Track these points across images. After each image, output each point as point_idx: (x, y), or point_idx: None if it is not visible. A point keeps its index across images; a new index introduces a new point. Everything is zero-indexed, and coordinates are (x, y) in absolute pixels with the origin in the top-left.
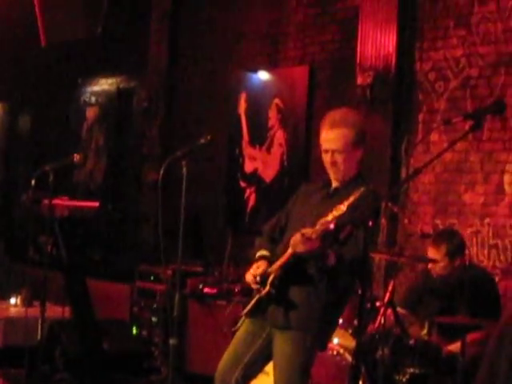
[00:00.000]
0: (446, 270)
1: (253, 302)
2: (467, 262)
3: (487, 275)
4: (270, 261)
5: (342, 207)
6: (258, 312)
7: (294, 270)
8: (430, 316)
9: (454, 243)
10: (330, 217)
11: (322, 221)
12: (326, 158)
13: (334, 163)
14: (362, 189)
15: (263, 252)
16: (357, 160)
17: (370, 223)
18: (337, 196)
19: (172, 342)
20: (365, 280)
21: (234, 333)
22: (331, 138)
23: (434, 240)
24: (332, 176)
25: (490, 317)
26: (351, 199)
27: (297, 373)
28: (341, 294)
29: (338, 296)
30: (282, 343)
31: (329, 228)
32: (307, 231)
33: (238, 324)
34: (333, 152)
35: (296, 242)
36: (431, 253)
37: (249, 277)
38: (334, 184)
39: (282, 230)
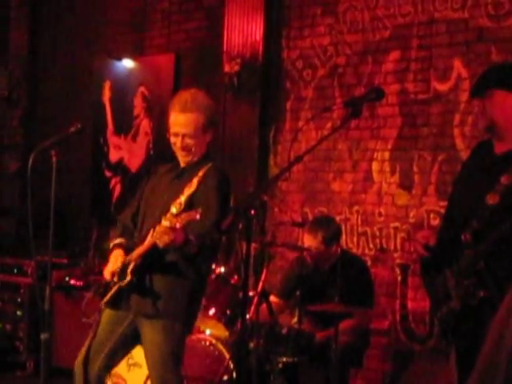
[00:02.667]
0: (325, 259)
1: (113, 291)
2: (340, 249)
3: (361, 263)
4: (127, 248)
5: (193, 185)
6: (119, 301)
7: (155, 258)
8: (303, 304)
9: (330, 230)
10: (182, 198)
11: (187, 212)
12: (176, 142)
13: (184, 147)
14: (209, 164)
15: (118, 240)
16: (206, 143)
17: (253, 212)
18: (186, 175)
19: (43, 336)
20: (246, 271)
21: (94, 323)
22: (182, 122)
23: (311, 227)
24: (181, 159)
25: (362, 305)
26: (200, 174)
27: (169, 360)
28: (203, 278)
29: (201, 280)
30: (151, 332)
31: (195, 218)
32: (170, 221)
33: (99, 314)
34: (183, 136)
35: (160, 234)
36: (308, 239)
37: (107, 274)
38: (183, 165)
39: (135, 217)
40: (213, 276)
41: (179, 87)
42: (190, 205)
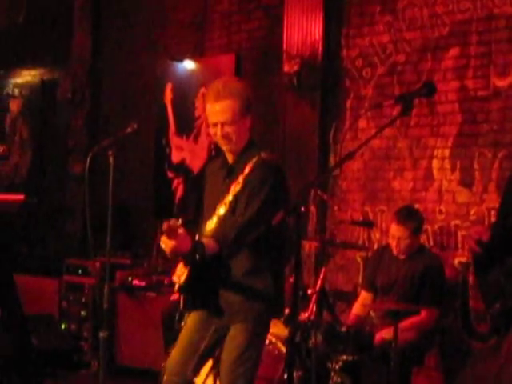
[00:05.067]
0: (410, 249)
1: (182, 297)
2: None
3: (439, 261)
4: None
5: (239, 184)
6: (202, 305)
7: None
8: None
9: (418, 220)
10: (229, 197)
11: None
12: (216, 132)
13: (225, 136)
14: (254, 160)
15: None
16: (247, 128)
17: (303, 209)
18: (234, 172)
19: (102, 334)
20: (298, 268)
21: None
22: (218, 110)
23: (400, 218)
24: (224, 148)
25: (431, 303)
26: (246, 172)
27: (247, 363)
28: (274, 276)
29: (273, 278)
30: (232, 335)
31: None
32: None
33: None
34: (222, 125)
35: (162, 242)
36: (397, 231)
37: (174, 277)
38: (229, 157)
39: None
40: None
41: None
42: (235, 204)
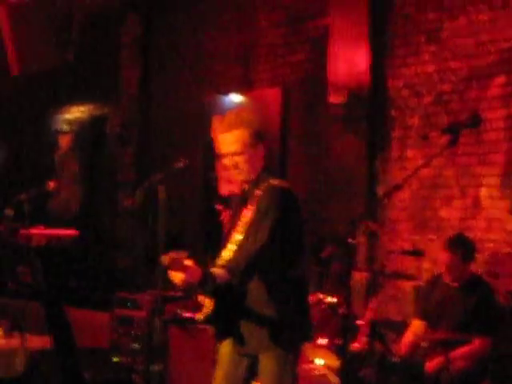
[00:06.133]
0: (460, 276)
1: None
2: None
3: (490, 289)
4: None
5: (249, 211)
6: (223, 334)
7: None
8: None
9: (468, 247)
10: (241, 225)
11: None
12: (226, 162)
13: (235, 166)
14: (263, 187)
15: None
16: (259, 157)
17: (350, 240)
18: (246, 201)
19: (154, 368)
20: (348, 299)
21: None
22: (228, 141)
23: (450, 245)
24: (237, 178)
25: (484, 331)
26: (255, 199)
27: None
28: (288, 303)
29: (276, 299)
30: (263, 364)
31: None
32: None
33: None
34: (232, 155)
35: (172, 277)
36: (447, 257)
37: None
38: (245, 187)
39: None
40: (322, 306)
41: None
42: (247, 232)
